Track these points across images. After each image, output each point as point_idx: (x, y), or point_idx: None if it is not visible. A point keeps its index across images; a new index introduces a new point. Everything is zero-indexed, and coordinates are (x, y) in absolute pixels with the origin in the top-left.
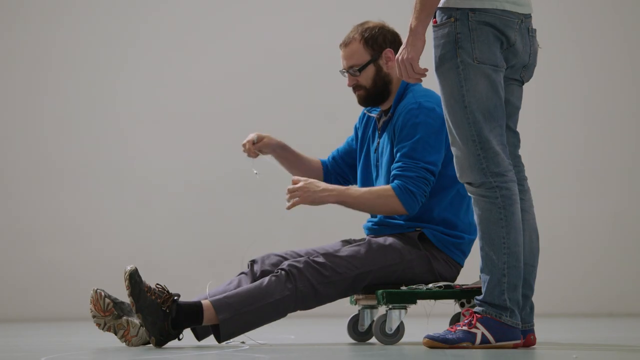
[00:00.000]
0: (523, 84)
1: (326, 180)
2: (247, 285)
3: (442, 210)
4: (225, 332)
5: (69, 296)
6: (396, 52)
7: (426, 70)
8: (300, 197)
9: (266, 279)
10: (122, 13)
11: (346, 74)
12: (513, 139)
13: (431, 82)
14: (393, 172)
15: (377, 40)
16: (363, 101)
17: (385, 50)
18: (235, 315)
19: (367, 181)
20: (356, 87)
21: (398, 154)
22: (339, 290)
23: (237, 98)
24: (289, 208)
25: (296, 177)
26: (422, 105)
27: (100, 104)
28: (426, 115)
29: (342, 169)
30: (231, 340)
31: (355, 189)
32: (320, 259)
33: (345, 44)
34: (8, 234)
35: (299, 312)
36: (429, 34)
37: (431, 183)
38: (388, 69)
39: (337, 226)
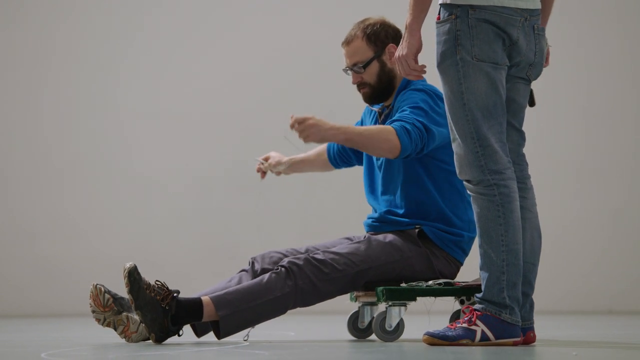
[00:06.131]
0: (530, 82)
1: (331, 163)
2: (247, 282)
3: (440, 206)
4: (225, 328)
5: (68, 293)
6: None
7: (424, 66)
8: (311, 134)
9: (266, 276)
10: (122, 11)
11: (350, 72)
12: (517, 138)
13: (434, 79)
14: (389, 121)
15: (380, 36)
16: (368, 98)
17: (388, 46)
18: (235, 312)
19: (372, 180)
20: (361, 85)
21: (395, 115)
22: (338, 287)
23: (236, 96)
24: (306, 141)
25: (303, 116)
26: (421, 89)
27: (100, 101)
28: (424, 95)
29: (346, 152)
30: (231, 336)
31: (358, 127)
32: (320, 256)
33: (347, 42)
34: (7, 231)
35: (298, 308)
36: (432, 30)
37: (425, 139)
38: (392, 64)
39: (337, 223)
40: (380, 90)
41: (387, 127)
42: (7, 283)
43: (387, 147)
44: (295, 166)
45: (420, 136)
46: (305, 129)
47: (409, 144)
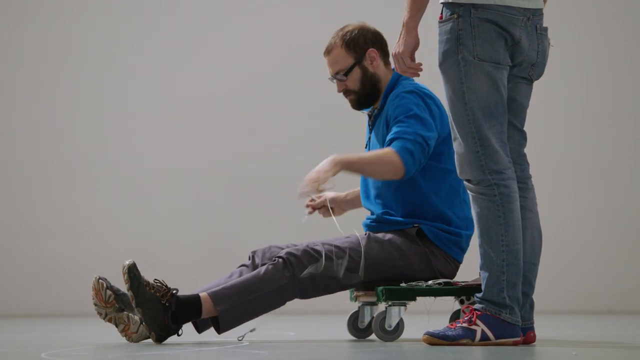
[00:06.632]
0: (532, 82)
1: None
2: (245, 275)
3: (437, 206)
4: (224, 323)
5: (68, 293)
6: (379, 52)
7: (420, 64)
8: (312, 187)
9: (263, 268)
10: (122, 11)
11: (334, 81)
12: (519, 138)
13: (431, 77)
14: (389, 137)
15: (358, 42)
16: (356, 104)
17: (368, 51)
18: (234, 306)
19: (366, 185)
20: (346, 92)
21: (392, 127)
22: (336, 281)
23: (236, 96)
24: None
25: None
26: (412, 91)
27: (99, 101)
28: (416, 98)
29: None
30: (231, 336)
31: (356, 155)
32: (319, 248)
33: (328, 51)
34: (7, 231)
35: (298, 308)
36: (430, 28)
37: (426, 153)
38: (374, 69)
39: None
40: (366, 95)
41: (389, 150)
42: (7, 283)
43: (392, 170)
44: (353, 201)
45: (423, 151)
46: (309, 185)
47: (413, 164)
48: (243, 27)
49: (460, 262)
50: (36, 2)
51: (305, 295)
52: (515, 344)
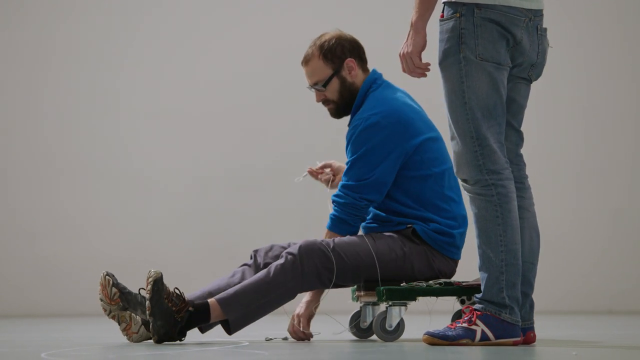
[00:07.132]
0: (531, 82)
1: None
2: (251, 277)
3: (419, 211)
4: (235, 327)
5: (68, 293)
6: (357, 60)
7: (428, 64)
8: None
9: (272, 268)
10: (122, 11)
11: (313, 90)
12: (516, 138)
13: (435, 77)
14: (332, 197)
15: (336, 52)
16: (335, 114)
17: (346, 61)
18: (244, 313)
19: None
20: (325, 102)
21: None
22: (341, 278)
23: (236, 96)
24: None
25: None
26: (365, 120)
27: (100, 101)
28: (368, 132)
29: None
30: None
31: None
32: (330, 244)
33: (305, 61)
34: (7, 231)
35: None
36: (431, 28)
37: (363, 206)
38: (352, 78)
39: None
40: (344, 105)
41: (326, 232)
42: (7, 283)
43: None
44: None
45: (356, 209)
46: (302, 332)
47: (349, 226)
48: (244, 27)
49: (458, 259)
50: (36, 2)
51: (311, 289)
52: (515, 344)
